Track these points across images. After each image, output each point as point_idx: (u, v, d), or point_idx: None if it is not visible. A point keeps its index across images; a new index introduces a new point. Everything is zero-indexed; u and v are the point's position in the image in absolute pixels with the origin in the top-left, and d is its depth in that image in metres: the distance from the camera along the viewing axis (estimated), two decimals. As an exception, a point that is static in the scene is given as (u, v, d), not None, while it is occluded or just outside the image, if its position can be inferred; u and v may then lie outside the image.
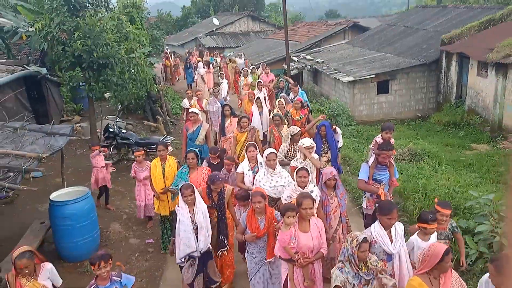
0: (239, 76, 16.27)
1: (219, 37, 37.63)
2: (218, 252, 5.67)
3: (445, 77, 15.35)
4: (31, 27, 12.34)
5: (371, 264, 4.09)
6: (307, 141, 6.61)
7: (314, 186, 5.67)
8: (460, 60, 14.41)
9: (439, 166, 9.51)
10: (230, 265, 5.87)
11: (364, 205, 6.30)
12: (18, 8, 15.75)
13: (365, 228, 5.36)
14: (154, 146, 9.53)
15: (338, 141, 7.88)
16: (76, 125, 9.38)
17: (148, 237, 7.35)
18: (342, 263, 4.06)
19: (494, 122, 12.59)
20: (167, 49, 24.61)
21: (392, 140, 6.67)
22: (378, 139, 6.68)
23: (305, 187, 5.37)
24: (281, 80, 13.17)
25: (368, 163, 6.09)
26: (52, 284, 4.39)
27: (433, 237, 4.65)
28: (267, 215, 5.01)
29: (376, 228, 4.47)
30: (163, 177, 6.69)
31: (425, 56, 16.38)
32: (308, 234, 4.63)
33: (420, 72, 16.46)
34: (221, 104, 10.60)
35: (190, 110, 8.61)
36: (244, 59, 21.72)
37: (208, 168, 6.44)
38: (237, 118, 8.58)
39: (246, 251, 5.29)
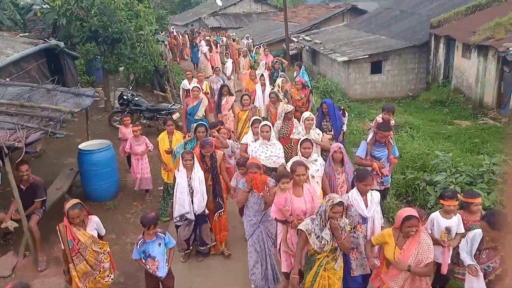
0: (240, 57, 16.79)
1: (222, 17, 38.36)
2: (215, 214, 5.98)
3: (434, 58, 16.35)
4: (47, 4, 13.32)
5: (339, 226, 4.27)
6: (306, 113, 6.91)
7: (318, 156, 5.85)
8: (447, 43, 15.39)
9: (417, 135, 10.63)
10: (225, 227, 6.19)
11: None
12: (33, -14, 16.66)
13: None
14: (163, 112, 10.60)
15: (344, 123, 8.00)
16: (98, 88, 10.41)
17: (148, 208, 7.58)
18: (316, 215, 4.38)
19: (476, 100, 13.65)
20: (172, 29, 25.37)
21: (392, 122, 6.71)
22: (379, 118, 6.72)
23: (309, 157, 5.55)
24: (276, 62, 13.70)
25: (367, 141, 6.24)
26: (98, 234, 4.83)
27: (455, 217, 4.65)
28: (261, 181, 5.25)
29: (353, 194, 4.74)
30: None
31: (416, 39, 17.35)
32: (301, 198, 4.86)
33: (411, 54, 17.44)
34: (222, 81, 11.27)
35: (192, 85, 8.93)
36: (251, 40, 22.15)
37: (214, 139, 6.64)
38: (233, 97, 8.97)
39: (244, 215, 5.50)
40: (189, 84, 10.56)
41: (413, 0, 22.69)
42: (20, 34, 13.09)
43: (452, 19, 15.66)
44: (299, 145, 5.69)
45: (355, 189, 4.76)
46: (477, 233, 4.11)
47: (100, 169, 7.14)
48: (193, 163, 5.67)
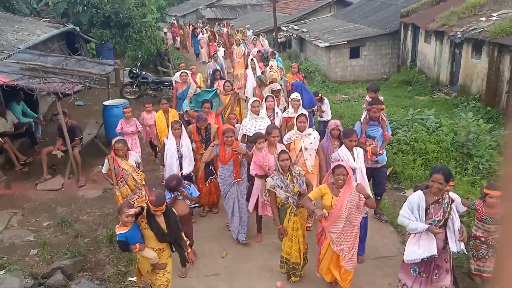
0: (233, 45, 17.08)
1: (218, 9, 40.28)
2: (207, 180, 6.63)
3: (403, 44, 18.51)
4: None
5: (295, 172, 4.91)
6: (293, 95, 7.38)
7: (313, 130, 6.26)
8: (414, 30, 17.53)
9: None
10: (218, 190, 6.64)
11: None
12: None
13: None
14: (167, 83, 12.71)
15: (324, 111, 8.82)
16: (117, 60, 12.49)
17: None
18: (274, 172, 4.97)
19: (434, 78, 15.84)
20: (174, 20, 27.10)
21: (381, 97, 6.95)
22: (368, 97, 7.03)
23: (304, 131, 5.97)
24: (266, 52, 14.99)
25: (361, 120, 6.47)
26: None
27: (454, 195, 4.61)
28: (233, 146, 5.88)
29: (342, 150, 5.32)
30: (168, 127, 7.38)
31: (390, 27, 19.47)
32: (275, 155, 5.24)
33: (385, 41, 19.57)
34: (220, 67, 12.27)
35: (181, 71, 9.39)
36: (251, 31, 23.19)
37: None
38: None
39: (218, 177, 6.13)
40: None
41: (392, -7, 24.78)
42: (42, 19, 15.15)
43: (419, 9, 17.80)
44: (295, 120, 6.18)
45: (343, 146, 5.36)
46: (417, 195, 4.31)
47: (119, 120, 9.27)
48: (181, 131, 6.33)
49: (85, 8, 13.78)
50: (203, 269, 5.52)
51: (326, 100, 9.25)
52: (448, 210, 4.22)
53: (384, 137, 6.35)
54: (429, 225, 4.16)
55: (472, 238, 4.84)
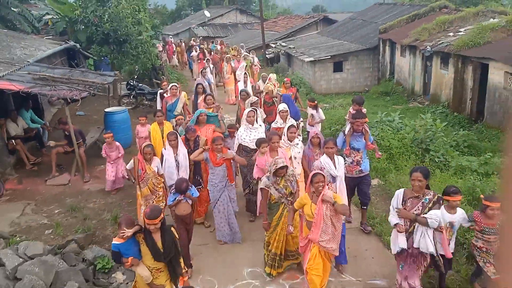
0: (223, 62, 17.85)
1: (210, 27, 41.81)
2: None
3: (382, 58, 19.85)
4: (58, 15, 16.55)
5: (288, 175, 5.26)
6: (281, 106, 7.89)
7: (300, 140, 6.72)
8: (391, 45, 18.88)
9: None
10: (205, 201, 6.98)
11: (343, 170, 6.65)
12: (47, 1, 19.91)
13: (347, 192, 6.05)
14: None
15: (315, 122, 9.39)
16: (116, 72, 13.56)
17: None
18: (269, 173, 5.28)
19: (409, 89, 17.10)
20: (170, 38, 28.35)
21: (364, 110, 7.10)
22: (352, 110, 7.17)
23: (293, 141, 6.41)
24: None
25: (344, 132, 6.66)
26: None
27: (460, 211, 4.87)
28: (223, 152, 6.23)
29: (324, 158, 5.61)
30: (162, 138, 7.71)
31: (370, 43, 20.83)
32: (271, 161, 5.51)
33: (366, 55, 20.90)
34: (208, 83, 13.14)
35: (171, 84, 9.89)
36: (244, 50, 23.47)
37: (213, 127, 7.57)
38: (210, 96, 9.38)
39: (209, 183, 6.36)
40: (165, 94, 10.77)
41: (373, 12, 26.33)
42: (45, 37, 16.27)
43: (396, 26, 19.20)
44: (286, 130, 6.61)
45: (324, 155, 5.70)
46: (397, 192, 4.84)
47: (119, 125, 10.31)
48: (177, 142, 6.67)
49: (86, 26, 14.92)
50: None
51: (320, 110, 9.65)
52: (429, 205, 4.58)
53: (368, 147, 6.60)
54: (397, 222, 4.64)
55: (475, 249, 4.90)
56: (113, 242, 4.32)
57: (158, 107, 10.41)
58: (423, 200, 4.61)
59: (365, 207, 6.73)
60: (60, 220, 7.12)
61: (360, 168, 6.42)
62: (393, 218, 4.75)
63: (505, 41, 12.34)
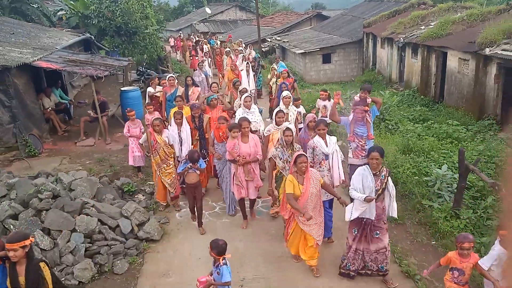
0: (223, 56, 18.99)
1: (211, 24, 43.84)
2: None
3: (366, 50, 21.87)
4: (72, 10, 18.60)
5: (295, 148, 5.69)
6: (284, 93, 8.31)
7: (289, 123, 6.89)
8: (373, 38, 20.90)
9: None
10: (209, 170, 8.03)
11: (350, 155, 6.97)
12: (61, -4, 21.90)
13: (350, 179, 5.77)
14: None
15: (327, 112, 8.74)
16: (130, 57, 15.62)
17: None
18: (276, 144, 5.80)
19: (387, 77, 19.14)
20: (180, 33, 30.00)
21: (369, 100, 7.01)
22: (356, 97, 7.16)
23: (281, 125, 6.67)
24: (255, 59, 16.85)
25: (348, 119, 6.90)
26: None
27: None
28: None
29: (316, 138, 5.94)
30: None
31: (356, 36, 22.85)
32: (247, 144, 6.26)
33: (353, 48, 22.90)
34: (205, 75, 14.21)
35: (168, 75, 10.75)
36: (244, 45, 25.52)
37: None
38: (198, 88, 10.58)
39: (214, 156, 7.18)
40: (154, 90, 11.32)
41: (362, 8, 28.36)
42: (64, 30, 18.35)
43: (378, 21, 21.20)
44: (274, 115, 7.03)
45: (316, 136, 6.02)
46: (362, 168, 5.06)
47: (133, 101, 12.37)
48: (182, 120, 7.56)
49: (99, 20, 16.99)
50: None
51: (331, 101, 9.01)
52: (385, 181, 5.02)
53: (369, 137, 6.84)
54: (366, 196, 4.88)
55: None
56: None
57: (147, 102, 10.91)
58: (381, 177, 5.04)
59: None
60: (92, 167, 9.21)
61: (366, 154, 6.39)
62: (360, 194, 4.98)
63: (464, 32, 14.34)
